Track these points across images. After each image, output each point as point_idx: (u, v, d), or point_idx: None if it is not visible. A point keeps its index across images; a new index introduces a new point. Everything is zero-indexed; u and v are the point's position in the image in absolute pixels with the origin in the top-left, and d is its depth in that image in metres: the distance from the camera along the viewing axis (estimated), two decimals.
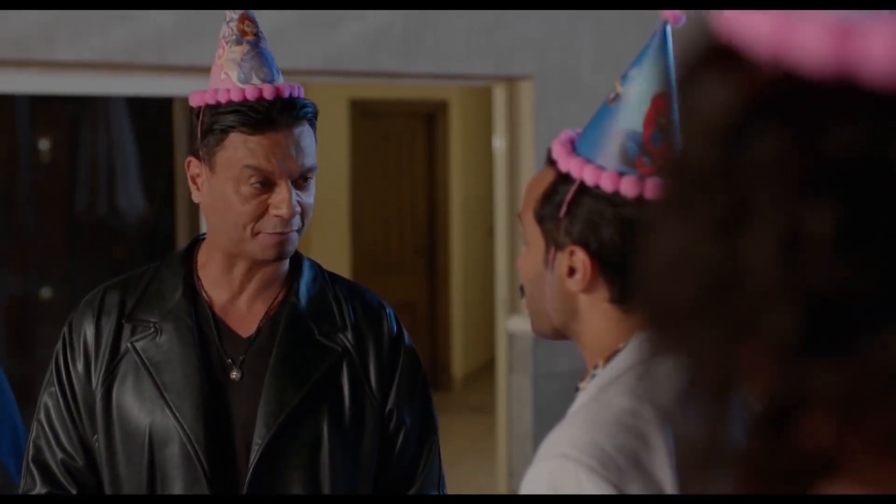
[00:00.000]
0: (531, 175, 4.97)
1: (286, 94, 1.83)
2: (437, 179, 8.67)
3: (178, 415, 1.82)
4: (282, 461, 1.84)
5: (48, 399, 1.91)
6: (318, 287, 1.96)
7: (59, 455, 1.88)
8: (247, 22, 1.87)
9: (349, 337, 1.92)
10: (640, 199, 1.37)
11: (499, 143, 5.40)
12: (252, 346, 1.89)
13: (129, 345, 1.88)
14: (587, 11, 5.16)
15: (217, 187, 1.83)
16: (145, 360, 1.86)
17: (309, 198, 1.86)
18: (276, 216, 1.81)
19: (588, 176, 1.39)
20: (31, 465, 1.89)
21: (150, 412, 1.84)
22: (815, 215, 0.48)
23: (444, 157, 8.66)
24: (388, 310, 1.99)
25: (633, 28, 5.15)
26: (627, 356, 1.39)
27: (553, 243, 1.43)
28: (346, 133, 8.08)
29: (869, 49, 0.47)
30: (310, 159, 1.84)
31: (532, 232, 1.47)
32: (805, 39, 0.49)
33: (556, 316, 1.46)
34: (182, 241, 5.09)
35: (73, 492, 1.87)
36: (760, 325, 0.50)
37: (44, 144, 5.51)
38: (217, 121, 1.82)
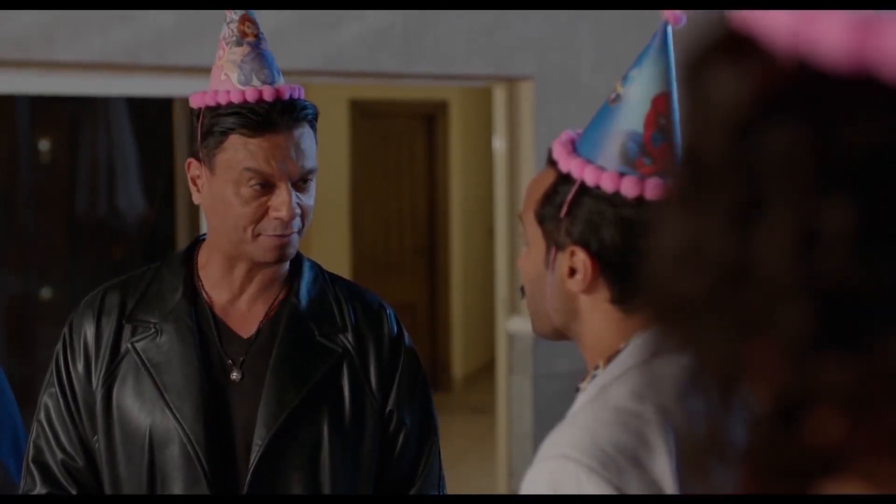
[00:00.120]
0: (531, 176, 4.97)
1: (286, 96, 1.83)
2: (437, 180, 8.67)
3: (178, 415, 1.82)
4: (282, 462, 1.84)
5: (48, 399, 1.91)
6: (319, 288, 1.96)
7: (60, 455, 1.88)
8: (247, 23, 1.87)
9: (349, 338, 1.92)
10: (640, 200, 1.37)
11: (499, 143, 5.40)
12: (252, 347, 1.89)
13: (129, 345, 1.88)
14: (587, 11, 5.16)
15: (217, 189, 1.83)
16: (145, 361, 1.86)
17: (309, 199, 1.86)
18: (276, 218, 1.81)
19: (589, 176, 1.39)
20: (32, 466, 1.89)
21: (150, 413, 1.84)
22: (830, 210, 0.48)
23: (444, 157, 8.67)
24: (389, 310, 1.99)
25: (634, 28, 5.15)
26: (628, 357, 1.39)
27: (554, 244, 1.43)
28: (346, 133, 8.09)
29: (888, 43, 0.47)
30: (310, 161, 1.84)
31: (533, 232, 1.47)
32: (824, 31, 0.48)
33: (556, 316, 1.46)
34: (182, 242, 5.09)
35: (73, 492, 1.87)
36: (772, 320, 0.50)
37: (44, 145, 5.51)
38: (217, 123, 1.81)
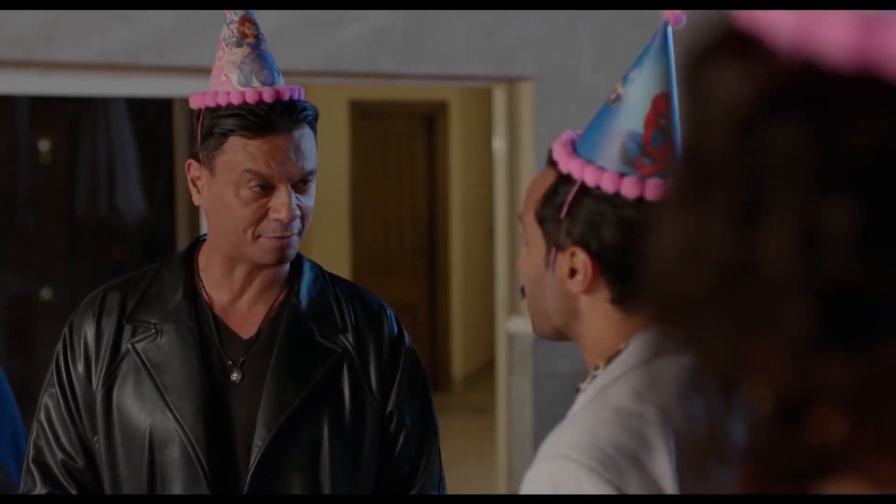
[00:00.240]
0: (531, 176, 4.97)
1: (286, 97, 1.82)
2: (437, 180, 8.68)
3: (178, 416, 1.82)
4: (282, 463, 1.84)
5: (48, 400, 1.91)
6: (319, 288, 1.96)
7: (60, 456, 1.88)
8: (247, 24, 1.87)
9: (350, 338, 1.92)
10: (641, 200, 1.37)
11: (499, 144, 5.40)
12: (252, 348, 1.89)
13: (129, 346, 1.88)
14: (587, 11, 5.16)
15: (217, 190, 1.83)
16: (146, 362, 1.86)
17: (309, 201, 1.85)
18: (276, 220, 1.80)
19: (589, 177, 1.39)
20: (32, 466, 1.89)
21: (150, 413, 1.84)
22: (832, 210, 0.48)
23: (444, 158, 8.67)
24: (389, 311, 1.99)
25: (634, 28, 5.15)
26: (628, 357, 1.39)
27: (554, 244, 1.43)
28: (346, 134, 8.09)
29: (891, 42, 0.47)
30: (310, 163, 1.84)
31: (533, 233, 1.47)
32: (827, 31, 0.48)
33: (556, 317, 1.46)
34: (182, 242, 5.09)
35: (74, 492, 1.87)
36: (773, 320, 0.50)
37: (44, 145, 5.51)
38: (217, 124, 1.81)
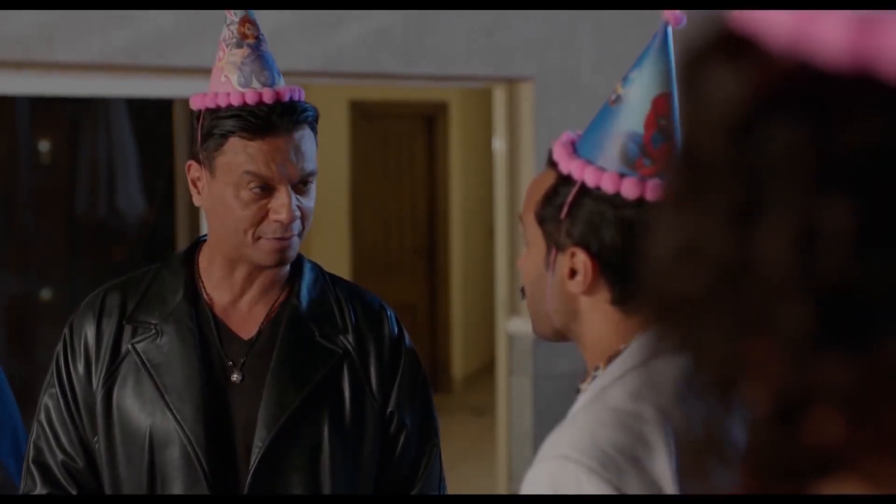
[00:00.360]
0: (531, 176, 4.97)
1: (286, 98, 1.82)
2: (437, 181, 8.68)
3: (178, 417, 1.82)
4: (282, 463, 1.84)
5: (48, 400, 1.91)
6: (319, 289, 1.96)
7: (60, 456, 1.88)
8: (247, 25, 1.87)
9: (350, 339, 1.92)
10: (641, 201, 1.37)
11: (499, 144, 5.40)
12: (253, 349, 1.89)
13: (129, 346, 1.88)
14: (587, 12, 5.16)
15: (217, 192, 1.83)
16: (146, 362, 1.86)
17: (309, 202, 1.85)
18: (276, 221, 1.80)
19: (589, 177, 1.39)
20: (32, 466, 1.89)
21: (150, 414, 1.84)
22: (829, 210, 0.48)
23: (444, 158, 8.67)
24: (389, 311, 1.99)
25: (634, 28, 5.15)
26: (628, 357, 1.39)
27: (554, 245, 1.43)
28: (346, 134, 8.09)
29: (887, 42, 0.47)
30: (310, 164, 1.83)
31: (533, 233, 1.47)
32: (823, 30, 0.48)
33: (556, 317, 1.46)
34: (182, 243, 5.09)
35: (74, 493, 1.87)
36: (771, 320, 0.50)
37: (44, 146, 5.51)
38: (217, 125, 1.81)
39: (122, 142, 5.52)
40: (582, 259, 1.40)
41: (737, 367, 0.52)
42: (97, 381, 1.88)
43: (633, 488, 1.27)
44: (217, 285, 1.92)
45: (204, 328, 1.90)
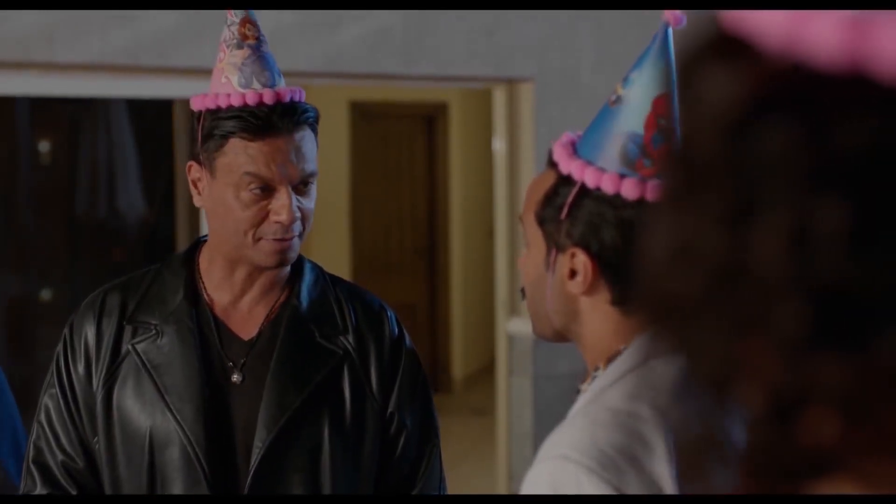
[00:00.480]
0: (531, 177, 4.97)
1: (287, 99, 1.82)
2: (437, 181, 8.68)
3: (178, 417, 1.82)
4: (283, 464, 1.84)
5: (49, 400, 1.91)
6: (320, 290, 1.96)
7: (60, 456, 1.88)
8: (248, 25, 1.87)
9: (350, 339, 1.92)
10: (641, 202, 1.37)
11: (499, 144, 5.41)
12: (253, 349, 1.90)
13: (130, 347, 1.88)
14: (587, 12, 5.16)
15: (217, 192, 1.84)
16: (146, 363, 1.87)
17: (310, 203, 1.86)
18: (277, 222, 1.81)
19: (589, 178, 1.39)
20: (32, 467, 1.89)
21: (150, 414, 1.84)
22: (824, 210, 0.48)
23: (444, 158, 8.67)
24: (389, 312, 1.99)
25: (634, 29, 5.15)
26: (628, 358, 1.39)
27: (554, 245, 1.43)
28: (346, 135, 8.09)
29: (882, 42, 0.47)
30: (310, 165, 1.84)
31: (533, 234, 1.47)
32: (817, 31, 0.48)
33: (556, 318, 1.46)
34: (182, 243, 5.09)
35: (74, 493, 1.88)
36: (766, 320, 0.50)
37: (44, 146, 5.51)
38: (217, 126, 1.82)
39: (122, 142, 5.52)
40: (582, 260, 1.40)
41: (732, 368, 0.52)
42: (97, 382, 1.88)
43: (633, 488, 1.27)
44: (217, 286, 1.92)
45: (204, 329, 1.90)
